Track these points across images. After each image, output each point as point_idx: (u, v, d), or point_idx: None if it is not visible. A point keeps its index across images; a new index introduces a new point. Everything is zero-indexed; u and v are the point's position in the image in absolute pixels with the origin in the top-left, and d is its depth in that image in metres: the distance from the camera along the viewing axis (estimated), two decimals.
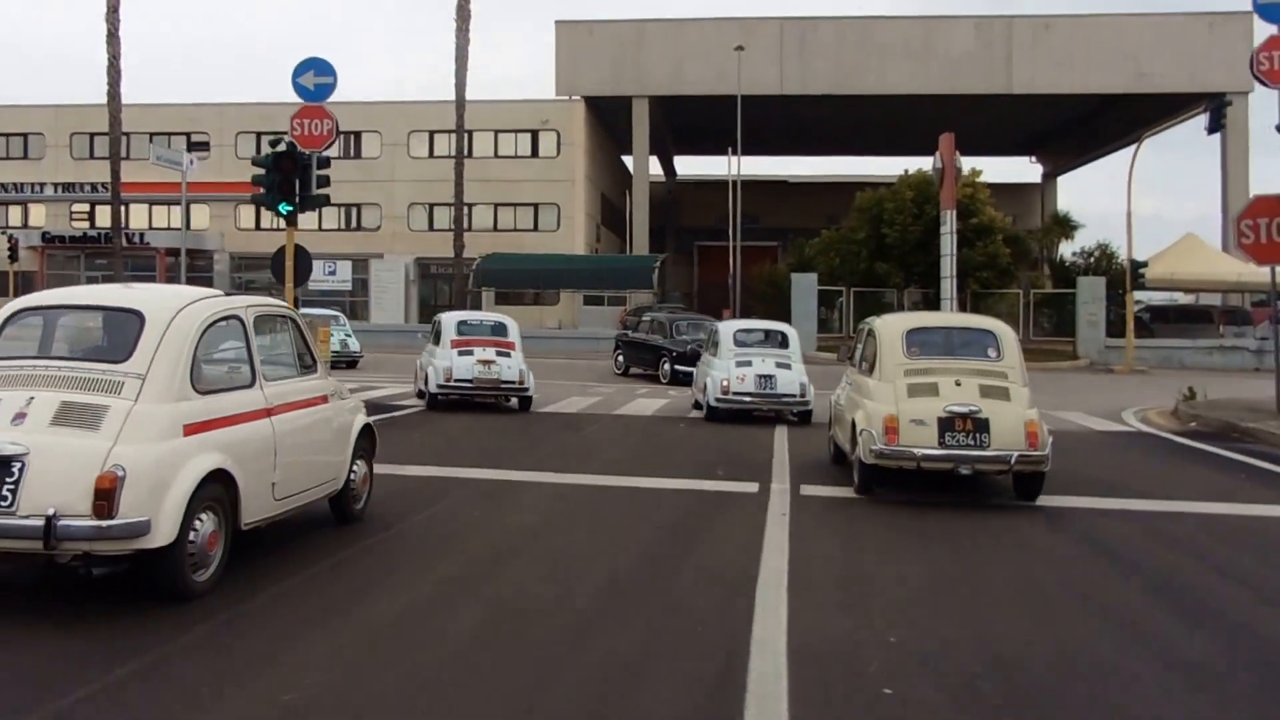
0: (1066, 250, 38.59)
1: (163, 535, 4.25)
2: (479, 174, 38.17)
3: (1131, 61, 35.86)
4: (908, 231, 30.70)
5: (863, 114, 39.96)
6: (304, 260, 13.41)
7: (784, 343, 13.83)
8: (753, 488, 7.77)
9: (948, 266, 25.98)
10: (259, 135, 38.64)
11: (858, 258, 31.61)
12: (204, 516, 4.55)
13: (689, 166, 53.65)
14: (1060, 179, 51.56)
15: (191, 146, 39.33)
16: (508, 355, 13.38)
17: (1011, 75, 36.84)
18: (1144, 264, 26.84)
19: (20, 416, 4.34)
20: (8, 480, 4.12)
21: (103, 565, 4.31)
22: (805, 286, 30.59)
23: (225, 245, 39.65)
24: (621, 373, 20.35)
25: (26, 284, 34.96)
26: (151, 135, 39.28)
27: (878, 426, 7.17)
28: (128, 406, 4.44)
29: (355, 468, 6.15)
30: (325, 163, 12.78)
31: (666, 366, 18.80)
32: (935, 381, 7.40)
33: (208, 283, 35.25)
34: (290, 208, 12.13)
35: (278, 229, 38.96)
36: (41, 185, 39.60)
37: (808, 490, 7.71)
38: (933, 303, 31.63)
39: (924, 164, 30.97)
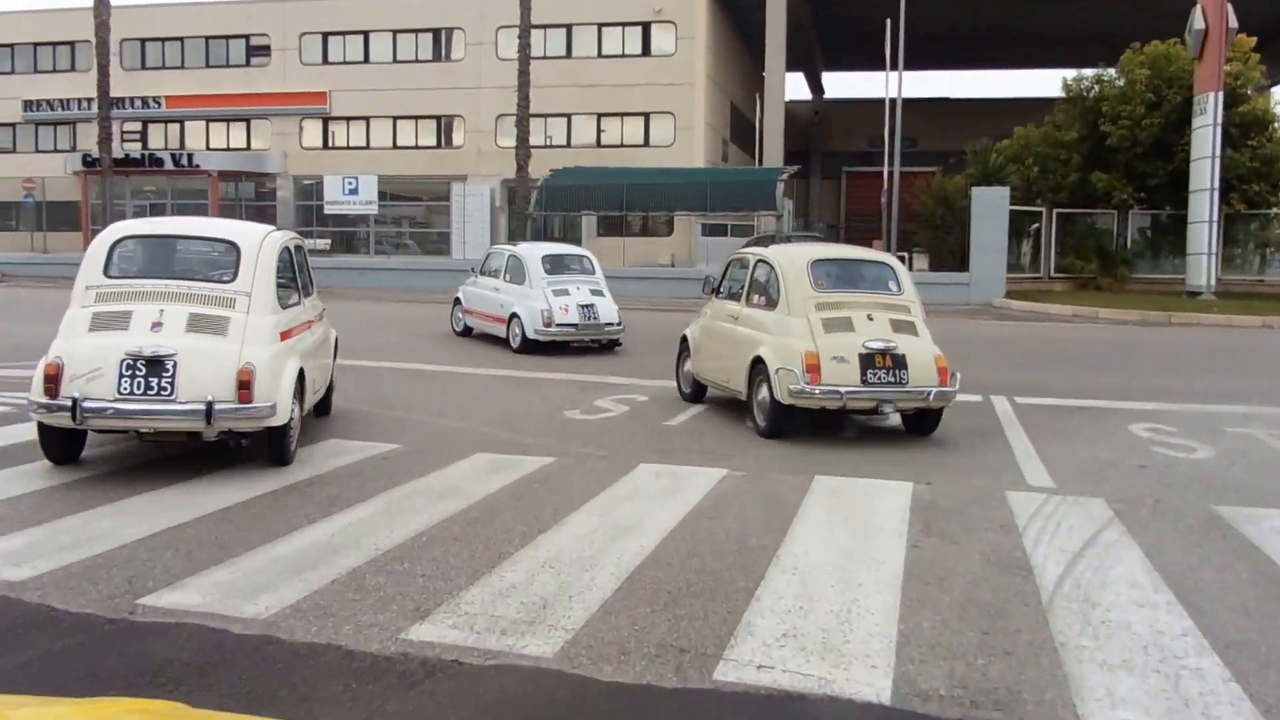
0: None
1: (281, 416, 7.20)
2: (578, 77, 40.75)
3: None
4: (1139, 128, 28.76)
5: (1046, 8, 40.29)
6: None
7: (590, 268, 16.75)
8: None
9: (1205, 174, 24.92)
10: (325, 37, 42.88)
11: (1066, 166, 30.01)
12: (294, 403, 7.53)
13: (837, 87, 54.99)
14: None
15: (251, 53, 43.84)
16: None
17: None
18: None
19: (157, 325, 7.09)
20: (164, 375, 6.91)
21: (240, 439, 7.29)
22: (992, 205, 28.26)
23: (288, 167, 44.05)
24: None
25: (67, 216, 40.04)
26: (207, 39, 43.78)
27: (797, 364, 8.96)
28: (243, 318, 7.31)
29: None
30: None
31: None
32: (849, 316, 9.32)
33: (271, 213, 39.68)
34: None
35: (348, 147, 43.31)
36: (89, 101, 43.54)
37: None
38: (1167, 228, 30.77)
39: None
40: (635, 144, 41.44)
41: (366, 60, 42.89)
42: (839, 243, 31.47)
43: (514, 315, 16.00)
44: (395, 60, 42.67)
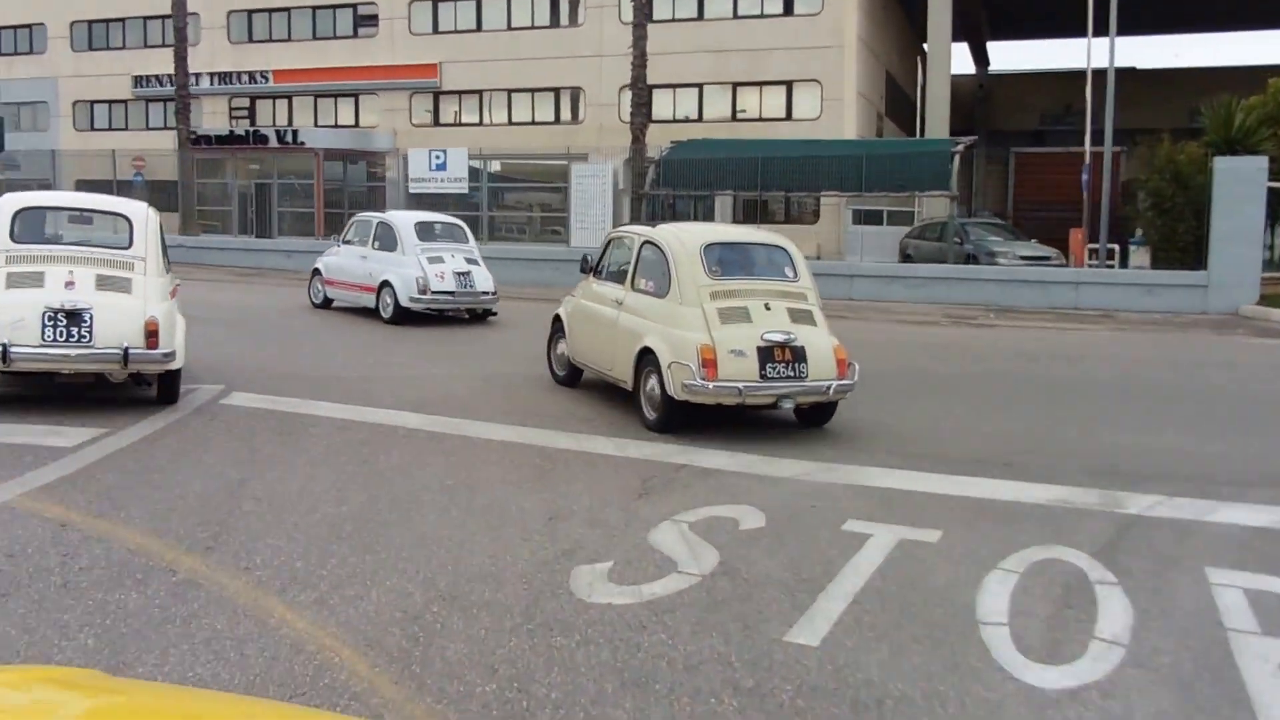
0: None
1: (179, 361, 9.65)
2: (710, 41, 40.19)
3: None
4: None
5: None
6: None
7: (464, 238, 18.16)
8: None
9: None
10: (435, 4, 43.67)
11: None
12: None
13: (1004, 58, 52.47)
14: None
15: (358, 23, 45.07)
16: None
17: None
18: None
19: (70, 284, 9.24)
20: (83, 325, 9.09)
21: (145, 381, 9.82)
22: (1243, 181, 23.47)
23: (399, 145, 44.91)
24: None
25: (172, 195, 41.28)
26: (314, 9, 45.22)
27: (692, 358, 8.92)
28: (142, 279, 9.57)
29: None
30: None
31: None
32: (745, 306, 9.18)
33: (381, 195, 40.54)
34: None
35: (457, 124, 43.81)
36: (197, 76, 45.23)
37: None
38: None
39: None
40: (775, 117, 40.42)
41: (479, 28, 43.42)
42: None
43: (385, 284, 16.98)
44: (510, 27, 43.02)
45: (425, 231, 17.66)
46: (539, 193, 41.73)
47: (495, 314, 17.64)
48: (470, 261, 17.41)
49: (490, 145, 38.39)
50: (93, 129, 50.29)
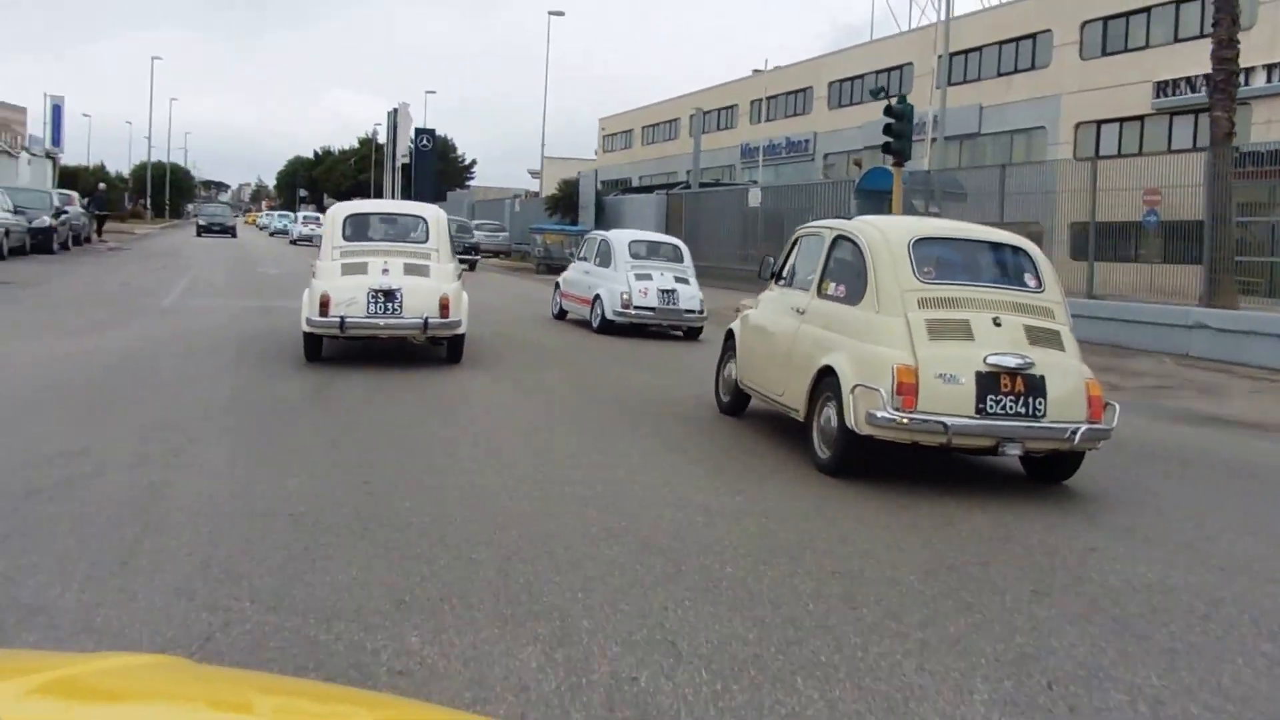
0: None
1: (464, 327, 12.28)
2: None
3: None
4: None
5: None
6: None
7: (679, 256, 18.45)
8: None
9: None
10: None
11: None
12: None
13: None
14: None
15: None
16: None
17: None
18: None
19: (385, 271, 11.92)
20: (395, 301, 11.74)
21: (440, 343, 12.47)
22: None
23: None
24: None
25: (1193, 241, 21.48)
26: None
27: (884, 381, 6.95)
28: (437, 265, 12.27)
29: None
30: None
31: None
32: (966, 319, 7.14)
33: None
34: None
35: None
36: (1247, 73, 27.58)
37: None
38: None
39: None
40: None
41: None
42: None
43: (596, 297, 17.87)
44: None
45: (640, 249, 18.35)
46: None
47: (701, 333, 17.58)
48: (680, 280, 17.79)
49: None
50: (1098, 155, 33.89)
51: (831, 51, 57.91)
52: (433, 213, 13.11)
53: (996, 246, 8.07)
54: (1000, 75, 44.00)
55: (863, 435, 7.10)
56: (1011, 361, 6.91)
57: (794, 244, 9.30)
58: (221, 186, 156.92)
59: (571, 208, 47.75)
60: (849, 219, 8.81)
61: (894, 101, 22.02)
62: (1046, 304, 7.45)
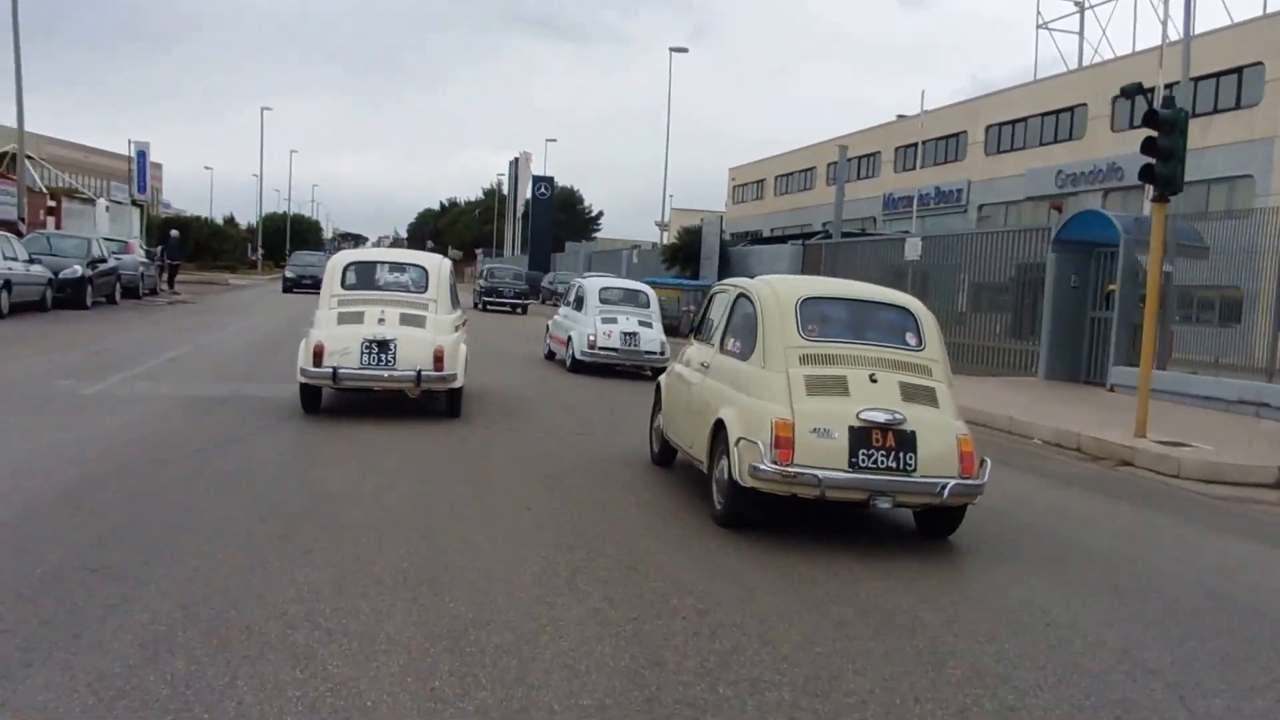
0: None
1: (460, 381, 12.19)
2: None
3: None
4: None
5: None
6: None
7: (645, 303, 20.40)
8: None
9: None
10: None
11: None
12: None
13: None
14: None
15: None
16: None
17: None
18: None
19: (381, 320, 11.84)
20: (389, 352, 11.70)
21: (434, 397, 12.28)
22: None
23: None
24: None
25: None
26: None
27: (764, 434, 7.18)
28: (434, 316, 12.24)
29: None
30: None
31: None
32: (844, 375, 7.39)
33: None
34: None
35: None
36: None
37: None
38: None
39: None
40: None
41: None
42: None
43: (569, 338, 19.69)
44: None
45: (609, 295, 20.42)
46: None
47: (651, 374, 18.32)
48: (644, 324, 19.51)
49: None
50: None
51: (989, 93, 55.85)
52: (434, 262, 13.15)
53: (882, 306, 8.33)
54: (1196, 115, 36.45)
55: (746, 487, 7.31)
56: (882, 417, 7.15)
57: (709, 300, 9.65)
58: (360, 239, 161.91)
59: (692, 259, 45.13)
60: (752, 279, 9.06)
61: (1159, 107, 13.87)
62: (925, 362, 7.73)
